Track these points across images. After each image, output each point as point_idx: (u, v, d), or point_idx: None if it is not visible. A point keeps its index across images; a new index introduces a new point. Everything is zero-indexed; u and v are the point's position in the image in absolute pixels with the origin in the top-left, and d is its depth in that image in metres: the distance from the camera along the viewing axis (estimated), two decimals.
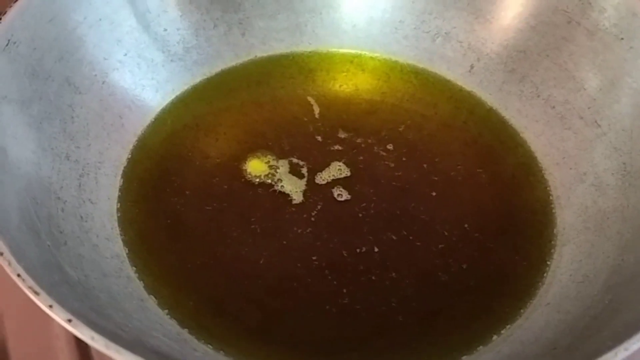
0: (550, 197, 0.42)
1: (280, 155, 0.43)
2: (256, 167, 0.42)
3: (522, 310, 0.37)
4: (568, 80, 0.44)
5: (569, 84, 0.44)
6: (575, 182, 0.42)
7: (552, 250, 0.39)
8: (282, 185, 0.41)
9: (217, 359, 0.34)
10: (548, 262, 0.39)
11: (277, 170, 0.42)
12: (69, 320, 0.26)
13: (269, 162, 0.42)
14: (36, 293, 0.26)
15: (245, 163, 0.42)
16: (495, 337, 0.36)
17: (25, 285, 0.27)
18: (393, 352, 0.35)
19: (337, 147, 0.44)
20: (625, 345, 0.27)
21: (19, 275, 0.27)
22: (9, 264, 0.27)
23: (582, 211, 0.40)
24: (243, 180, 0.42)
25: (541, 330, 0.35)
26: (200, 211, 0.40)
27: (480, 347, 0.36)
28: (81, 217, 0.37)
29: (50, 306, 0.26)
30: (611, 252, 0.37)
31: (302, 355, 0.35)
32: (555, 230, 0.40)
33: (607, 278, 0.36)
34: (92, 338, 0.25)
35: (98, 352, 0.40)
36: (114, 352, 0.25)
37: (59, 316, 0.26)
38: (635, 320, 0.30)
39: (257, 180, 0.41)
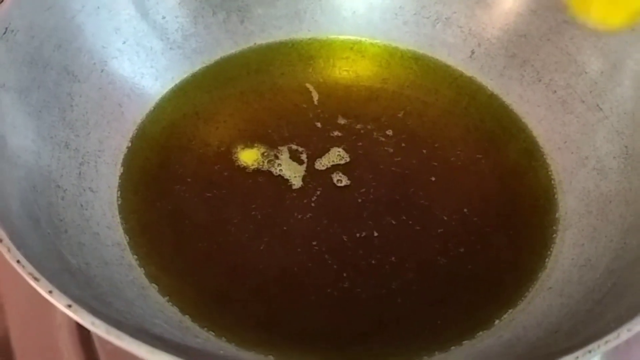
0: (552, 182, 0.42)
1: (279, 142, 0.43)
2: (253, 155, 0.42)
3: (524, 295, 0.37)
4: (569, 64, 0.44)
5: (571, 68, 0.44)
6: (577, 167, 0.42)
7: (554, 235, 0.39)
8: (281, 171, 0.41)
9: (219, 346, 0.34)
10: (550, 247, 0.39)
11: (277, 157, 0.42)
12: (69, 306, 0.26)
13: (267, 149, 0.42)
14: (36, 279, 0.26)
15: (245, 151, 0.42)
16: (497, 321, 0.36)
17: (25, 272, 0.27)
18: (393, 336, 0.35)
19: (336, 133, 0.43)
20: (627, 326, 0.27)
21: (18, 262, 0.27)
22: (9, 250, 0.27)
23: (585, 195, 0.40)
24: (243, 167, 0.42)
25: (543, 314, 0.35)
26: (201, 199, 0.40)
27: (482, 332, 0.35)
28: (81, 206, 0.37)
29: (50, 292, 0.26)
30: (614, 235, 0.37)
31: (303, 340, 0.35)
32: (557, 215, 0.40)
33: (609, 262, 0.36)
34: (93, 324, 0.25)
35: (100, 342, 0.41)
36: (114, 338, 0.25)
37: (58, 302, 0.26)
38: (638, 302, 0.30)
39: (257, 167, 0.41)
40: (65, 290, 0.27)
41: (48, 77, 0.39)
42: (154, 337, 0.29)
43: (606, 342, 0.26)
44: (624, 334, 0.26)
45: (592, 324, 0.31)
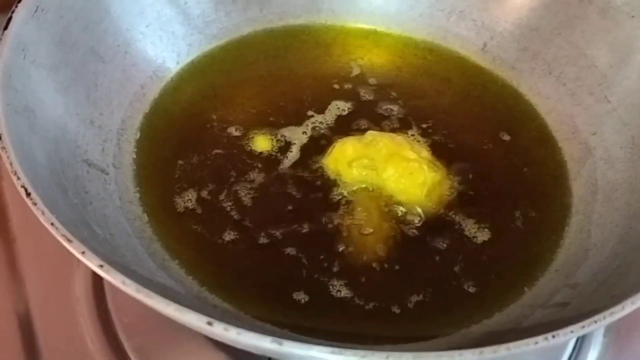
0: (561, 170, 0.43)
1: (295, 126, 0.44)
2: (267, 137, 0.43)
3: (536, 279, 0.38)
4: (579, 57, 0.45)
5: (581, 61, 0.45)
6: (585, 157, 0.43)
7: (562, 221, 0.40)
8: (295, 155, 0.42)
9: (237, 316, 0.35)
10: (558, 232, 0.40)
11: (291, 142, 0.43)
12: (101, 266, 0.27)
13: (282, 133, 0.43)
14: (69, 240, 0.27)
15: (260, 132, 0.43)
16: (510, 304, 0.37)
17: (59, 234, 0.28)
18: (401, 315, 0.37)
19: (352, 120, 0.44)
20: (632, 299, 0.28)
21: (52, 224, 0.28)
22: (43, 213, 0.28)
23: (592, 184, 0.41)
24: (257, 148, 0.43)
25: (550, 295, 0.36)
26: (219, 178, 0.41)
27: (497, 313, 0.37)
28: (105, 180, 0.39)
29: (83, 252, 0.27)
30: (619, 221, 0.38)
31: (330, 314, 0.36)
32: (565, 202, 0.41)
33: (615, 246, 0.37)
34: (124, 282, 0.26)
35: (118, 315, 0.42)
36: (143, 297, 0.26)
37: (91, 262, 0.27)
38: None
39: (271, 149, 0.42)
40: (96, 252, 0.28)
41: (75, 57, 0.40)
42: (177, 300, 0.30)
43: (611, 313, 0.27)
44: (629, 306, 0.28)
45: (597, 301, 0.32)
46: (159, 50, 0.45)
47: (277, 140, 0.43)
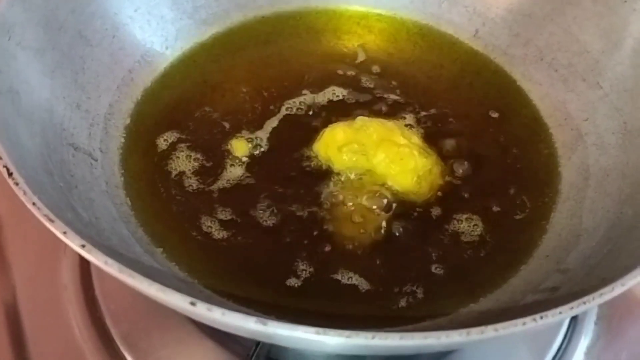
0: (553, 156, 0.42)
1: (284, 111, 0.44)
2: (255, 127, 0.42)
3: (522, 263, 0.38)
4: (572, 43, 0.45)
5: (573, 47, 0.45)
6: (577, 142, 0.42)
7: (553, 207, 0.40)
8: (286, 139, 0.42)
9: (222, 302, 0.35)
10: (549, 218, 0.40)
11: (282, 127, 0.43)
12: (83, 246, 0.26)
13: (274, 120, 0.43)
14: (51, 220, 0.27)
15: (250, 120, 0.43)
16: (497, 288, 0.37)
17: (41, 214, 0.27)
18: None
19: (341, 105, 0.44)
20: (621, 281, 0.28)
21: (34, 204, 0.28)
22: (24, 193, 0.28)
23: (584, 169, 0.41)
24: (246, 134, 0.42)
25: (540, 280, 0.36)
26: (207, 165, 0.41)
27: (484, 297, 0.36)
28: (91, 164, 0.38)
29: (65, 232, 0.27)
30: (611, 207, 0.38)
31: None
32: (556, 188, 0.41)
33: (606, 231, 0.37)
34: (106, 262, 0.26)
35: (105, 302, 0.41)
36: (126, 277, 0.26)
37: (72, 242, 0.27)
38: (633, 263, 0.30)
39: (260, 136, 0.42)
40: (79, 233, 0.27)
41: (62, 39, 0.40)
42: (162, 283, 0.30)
43: (600, 294, 0.27)
44: (618, 288, 0.27)
45: (588, 285, 0.32)
46: (147, 35, 0.45)
47: (266, 126, 0.43)
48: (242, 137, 0.42)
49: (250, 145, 0.42)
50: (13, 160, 0.30)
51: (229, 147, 0.41)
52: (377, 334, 0.24)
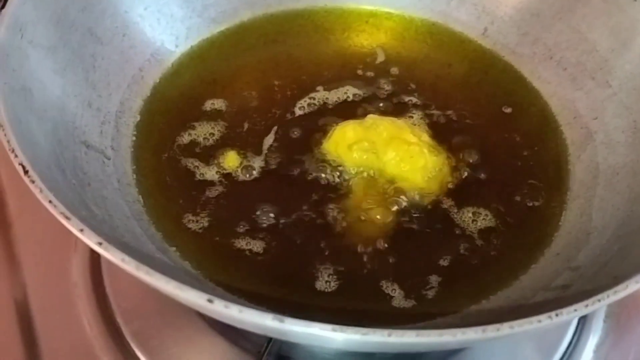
0: (562, 155, 0.43)
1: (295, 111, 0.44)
2: (265, 126, 0.42)
3: (533, 261, 0.38)
4: (581, 42, 0.45)
5: (582, 45, 0.45)
6: (586, 141, 0.43)
7: (564, 205, 0.40)
8: (296, 135, 0.42)
9: (234, 300, 0.35)
10: (559, 216, 0.40)
11: (292, 125, 0.43)
12: (100, 244, 0.27)
13: (284, 118, 0.43)
14: (67, 218, 0.27)
15: (259, 118, 0.43)
16: (507, 287, 0.37)
17: (57, 211, 0.27)
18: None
19: (349, 105, 0.44)
20: (636, 278, 0.28)
21: (50, 202, 0.28)
22: (41, 190, 0.28)
23: (593, 168, 0.41)
24: (257, 134, 0.42)
25: (551, 278, 0.36)
26: (216, 161, 0.41)
27: (492, 295, 0.36)
28: (103, 162, 0.38)
29: (82, 230, 0.27)
30: (621, 205, 0.38)
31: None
32: (566, 187, 0.41)
33: (616, 229, 0.37)
34: (123, 260, 0.26)
35: (116, 300, 0.41)
36: (144, 274, 0.26)
37: (89, 239, 0.27)
38: None
39: (270, 134, 0.42)
40: (95, 230, 0.27)
41: (73, 37, 0.40)
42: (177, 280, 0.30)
43: (615, 292, 0.27)
44: (632, 285, 0.27)
45: (599, 283, 0.32)
46: (157, 33, 0.45)
47: (275, 124, 0.43)
48: (251, 135, 0.42)
49: (261, 142, 0.42)
50: (28, 158, 0.30)
51: (239, 145, 0.42)
52: (393, 331, 0.25)
